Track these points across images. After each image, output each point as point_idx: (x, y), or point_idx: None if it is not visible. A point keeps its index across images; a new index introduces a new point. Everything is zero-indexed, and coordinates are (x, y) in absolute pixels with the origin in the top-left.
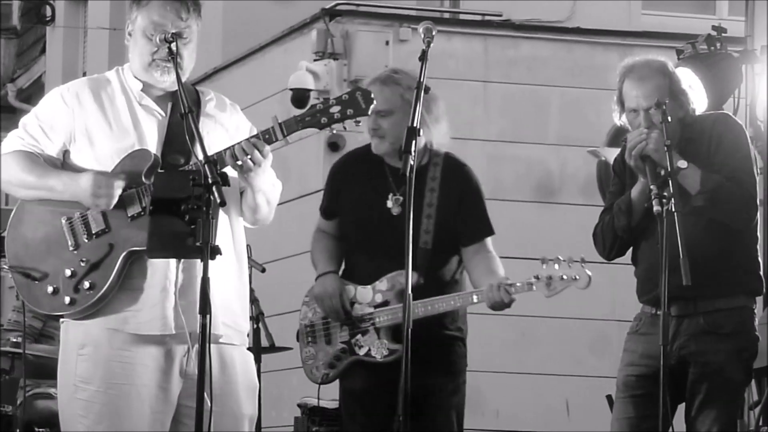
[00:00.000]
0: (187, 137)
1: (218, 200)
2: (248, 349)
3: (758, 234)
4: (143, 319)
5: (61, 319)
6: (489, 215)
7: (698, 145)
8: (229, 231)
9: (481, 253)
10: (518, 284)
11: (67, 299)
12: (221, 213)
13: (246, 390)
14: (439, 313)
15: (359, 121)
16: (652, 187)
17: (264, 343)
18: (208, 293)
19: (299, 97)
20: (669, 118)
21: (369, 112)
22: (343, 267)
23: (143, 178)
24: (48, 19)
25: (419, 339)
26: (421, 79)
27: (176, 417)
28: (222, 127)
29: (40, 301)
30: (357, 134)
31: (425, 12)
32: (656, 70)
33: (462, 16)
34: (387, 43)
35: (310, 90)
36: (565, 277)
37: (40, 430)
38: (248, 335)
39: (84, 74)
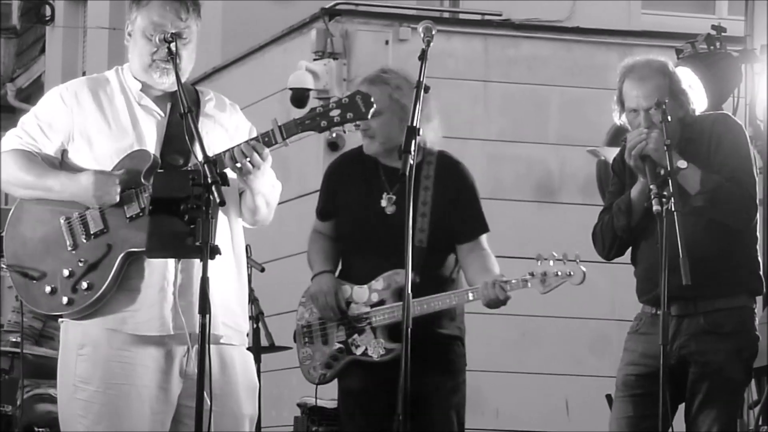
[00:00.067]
0: (186, 137)
1: (218, 200)
2: (248, 348)
3: (758, 234)
4: (141, 319)
5: (60, 320)
6: (487, 214)
7: (698, 145)
8: (228, 231)
9: (476, 250)
10: (513, 281)
11: (64, 299)
12: (220, 213)
13: (246, 390)
14: (435, 311)
15: (359, 125)
16: (651, 186)
17: (264, 342)
18: (207, 293)
19: (299, 96)
20: (669, 118)
21: (369, 116)
22: (339, 268)
23: (142, 179)
24: (47, 18)
25: (417, 338)
26: (421, 79)
27: (176, 417)
28: (221, 127)
29: (38, 301)
30: (357, 134)
31: (425, 11)
32: (656, 70)
33: (462, 16)
34: (387, 42)
35: (309, 90)
36: (559, 273)
37: (40, 430)
38: (248, 335)
39: (83, 74)
